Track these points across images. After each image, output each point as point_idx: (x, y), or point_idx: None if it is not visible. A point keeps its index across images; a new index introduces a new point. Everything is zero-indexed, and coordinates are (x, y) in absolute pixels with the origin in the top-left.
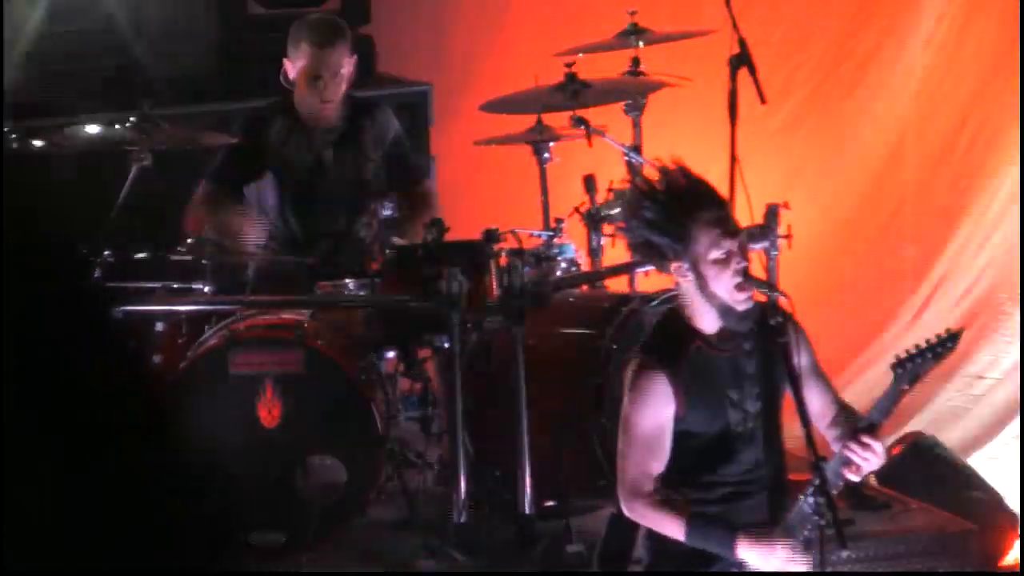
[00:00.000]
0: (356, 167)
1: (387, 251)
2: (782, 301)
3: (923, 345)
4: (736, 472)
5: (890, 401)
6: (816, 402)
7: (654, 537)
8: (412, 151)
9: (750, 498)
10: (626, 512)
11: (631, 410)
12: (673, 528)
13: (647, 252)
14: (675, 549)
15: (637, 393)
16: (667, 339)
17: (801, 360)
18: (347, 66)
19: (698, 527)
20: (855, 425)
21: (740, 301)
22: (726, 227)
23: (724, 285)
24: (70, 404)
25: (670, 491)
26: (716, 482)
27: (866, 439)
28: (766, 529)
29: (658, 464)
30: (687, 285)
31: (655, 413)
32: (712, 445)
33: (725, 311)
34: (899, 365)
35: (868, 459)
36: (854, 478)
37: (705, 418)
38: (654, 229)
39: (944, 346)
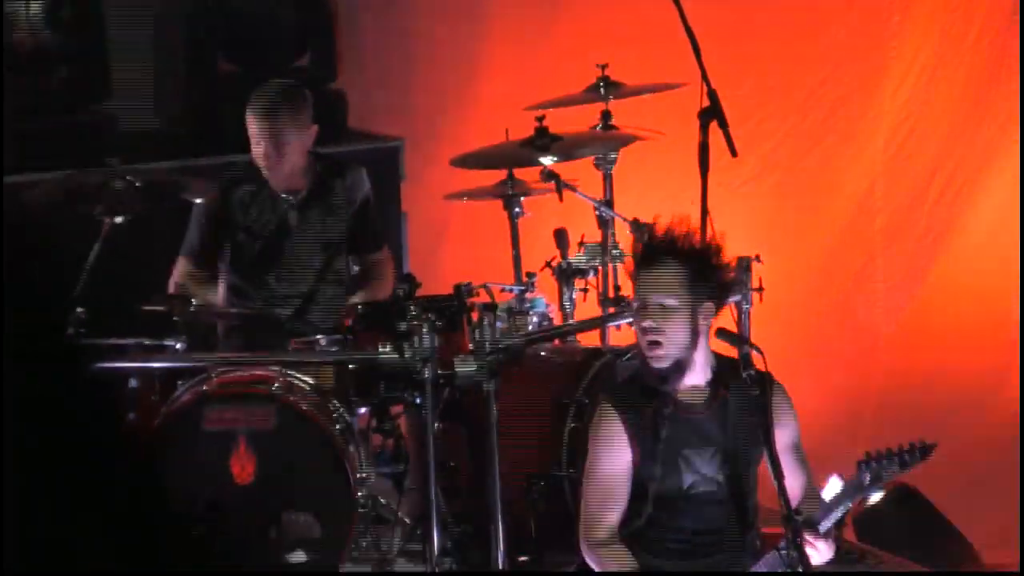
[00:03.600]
0: (322, 228)
1: (356, 308)
2: (755, 356)
3: (894, 450)
4: (686, 532)
5: (846, 496)
6: (789, 483)
7: None
8: (378, 216)
9: (707, 558)
10: (583, 553)
11: (591, 456)
12: None
13: None
14: None
15: (596, 439)
16: (632, 390)
17: (784, 434)
18: (297, 137)
19: None
20: (808, 517)
21: (650, 357)
22: (642, 283)
23: (640, 338)
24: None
25: (621, 543)
26: (663, 538)
27: (808, 536)
28: None
29: (613, 513)
30: None
31: (612, 460)
32: (662, 502)
33: (643, 362)
34: (865, 463)
35: (808, 555)
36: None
37: (658, 474)
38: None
39: (914, 456)
